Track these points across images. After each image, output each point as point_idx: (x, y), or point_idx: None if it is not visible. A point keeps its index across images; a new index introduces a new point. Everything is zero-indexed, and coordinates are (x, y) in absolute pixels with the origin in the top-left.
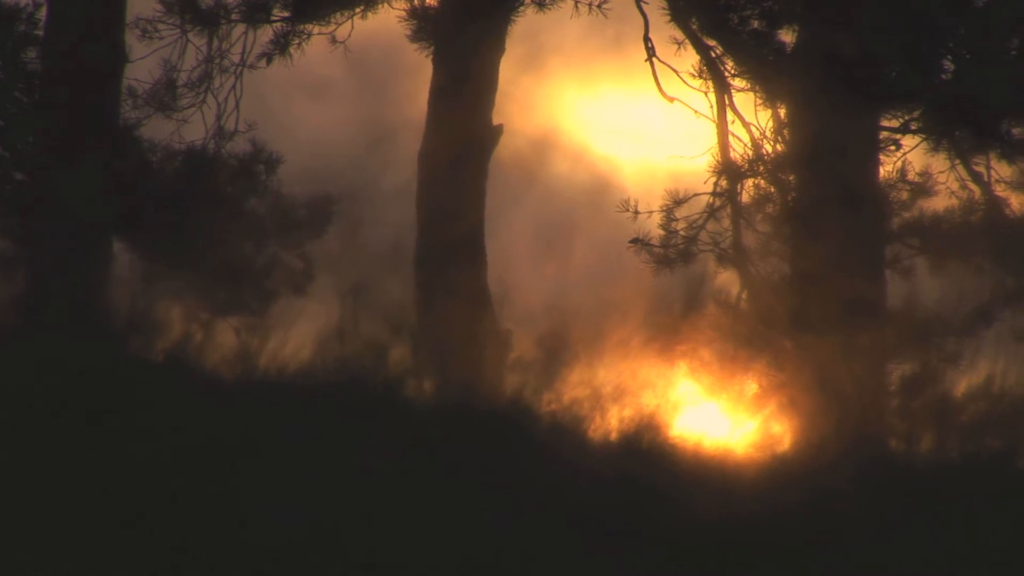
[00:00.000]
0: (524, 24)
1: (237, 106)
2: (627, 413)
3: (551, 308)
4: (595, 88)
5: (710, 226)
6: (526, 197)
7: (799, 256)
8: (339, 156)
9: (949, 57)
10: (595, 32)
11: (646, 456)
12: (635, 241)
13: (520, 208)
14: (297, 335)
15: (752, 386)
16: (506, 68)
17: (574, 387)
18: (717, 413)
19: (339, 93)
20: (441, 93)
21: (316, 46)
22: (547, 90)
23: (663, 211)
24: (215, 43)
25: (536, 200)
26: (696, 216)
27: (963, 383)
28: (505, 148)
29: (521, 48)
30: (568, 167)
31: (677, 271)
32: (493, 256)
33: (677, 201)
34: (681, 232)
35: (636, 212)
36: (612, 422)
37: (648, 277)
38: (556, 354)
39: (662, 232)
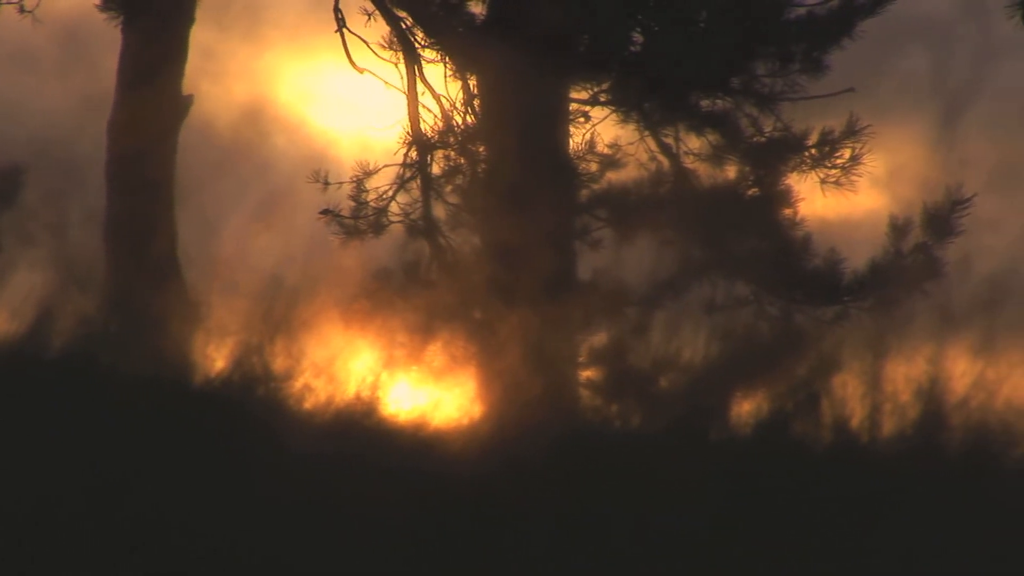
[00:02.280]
0: None
1: None
2: (334, 387)
3: (258, 280)
4: (310, 60)
5: (401, 198)
6: (235, 169)
7: (490, 228)
8: (35, 127)
9: (638, 29)
10: (316, 4)
11: (358, 432)
12: (325, 212)
13: (229, 180)
14: None
15: (445, 358)
16: (219, 40)
17: (281, 361)
18: (414, 386)
19: (39, 64)
20: (128, 63)
21: (7, 17)
22: (262, 63)
23: (353, 182)
24: None
25: (246, 172)
26: (386, 188)
27: (653, 355)
28: (209, 119)
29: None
30: (277, 139)
31: (368, 243)
32: (199, 228)
33: (367, 172)
34: (371, 204)
35: (327, 183)
36: (320, 397)
37: (357, 250)
38: (262, 327)
39: (352, 203)
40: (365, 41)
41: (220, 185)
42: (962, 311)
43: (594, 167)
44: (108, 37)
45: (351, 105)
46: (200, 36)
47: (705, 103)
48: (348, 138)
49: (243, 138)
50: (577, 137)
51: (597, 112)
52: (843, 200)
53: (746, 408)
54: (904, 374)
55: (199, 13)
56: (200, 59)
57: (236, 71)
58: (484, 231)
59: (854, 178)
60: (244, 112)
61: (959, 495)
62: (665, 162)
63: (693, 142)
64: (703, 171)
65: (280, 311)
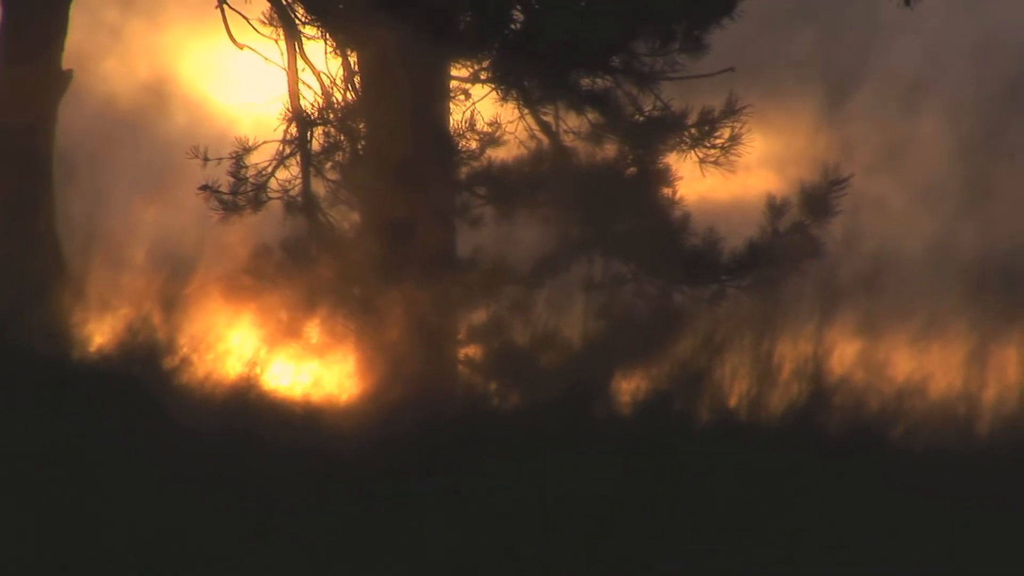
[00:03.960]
0: None
1: None
2: (215, 363)
3: (141, 256)
4: (191, 36)
5: (281, 174)
6: (119, 145)
7: (370, 205)
8: None
9: (519, 6)
10: None
11: (239, 407)
12: (204, 188)
13: (113, 156)
14: None
15: (325, 335)
16: (102, 15)
17: (164, 336)
18: (295, 362)
19: None
20: (9, 39)
21: None
22: (144, 39)
23: (232, 158)
24: None
25: (129, 148)
26: (265, 164)
27: (532, 332)
28: (93, 94)
29: None
30: (161, 114)
31: (249, 219)
32: (85, 203)
33: (247, 148)
34: (251, 180)
35: (206, 159)
36: (202, 372)
37: (239, 226)
38: (144, 302)
39: (231, 180)
40: (245, 17)
41: (102, 161)
42: (844, 290)
43: (474, 145)
44: None
45: (232, 81)
46: (82, 11)
47: (585, 82)
48: (229, 114)
49: (124, 114)
50: (457, 115)
51: (477, 90)
52: (724, 180)
53: (626, 387)
54: (786, 353)
55: None
56: (83, 34)
57: (117, 46)
58: (364, 208)
59: (733, 158)
60: (127, 88)
61: (840, 473)
62: (545, 140)
63: (573, 120)
64: (583, 150)
65: (162, 286)
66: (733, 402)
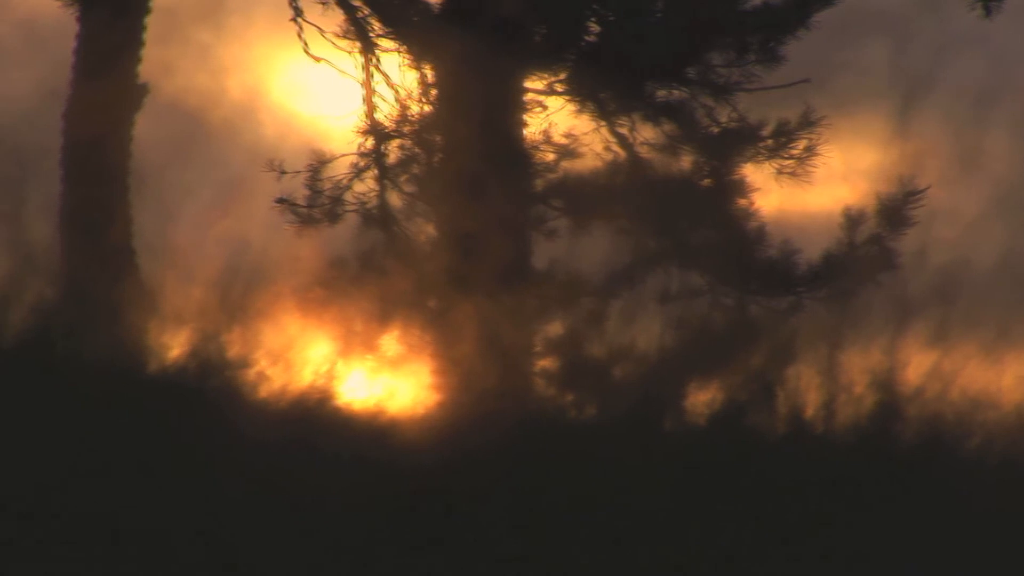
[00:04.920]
0: None
1: None
2: (290, 376)
3: (214, 268)
4: (266, 49)
5: (357, 187)
6: (192, 158)
7: (446, 217)
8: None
9: (595, 18)
10: None
11: (313, 420)
12: (281, 201)
13: (186, 169)
14: None
15: (400, 347)
16: (177, 28)
17: (238, 348)
18: (369, 375)
19: (3, 53)
20: (85, 52)
21: None
22: (219, 51)
23: (308, 171)
24: None
25: (203, 160)
26: (341, 176)
27: (608, 344)
28: (168, 108)
29: (192, 9)
30: (234, 127)
31: (324, 231)
32: (157, 216)
33: (323, 161)
34: (327, 192)
35: (283, 172)
36: (277, 385)
37: (313, 239)
38: (218, 315)
39: (308, 192)
40: (321, 30)
41: (178, 174)
42: (917, 302)
43: (549, 157)
44: (64, 25)
45: (308, 94)
46: (157, 24)
47: (660, 93)
48: (304, 127)
49: (201, 127)
50: (533, 126)
51: (553, 102)
52: (798, 191)
53: (701, 398)
54: (859, 364)
55: (155, 2)
56: (158, 48)
57: (194, 60)
58: (440, 220)
59: (809, 169)
60: (202, 101)
61: (913, 485)
62: (620, 152)
63: (648, 132)
64: (658, 161)
65: (236, 299)
66: (807, 414)
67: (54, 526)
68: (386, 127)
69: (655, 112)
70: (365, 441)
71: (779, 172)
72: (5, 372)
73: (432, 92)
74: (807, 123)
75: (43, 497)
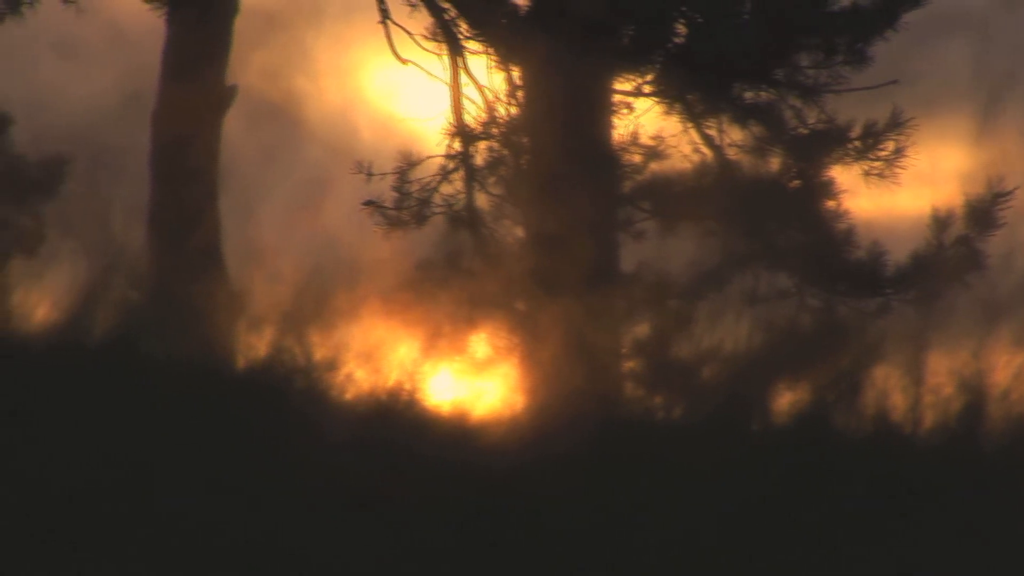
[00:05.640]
0: None
1: None
2: (376, 377)
3: (300, 270)
4: (354, 51)
5: (444, 189)
6: (279, 159)
7: (533, 219)
8: (82, 117)
9: (682, 20)
10: None
11: (399, 422)
12: (369, 203)
13: (273, 170)
14: (30, 297)
15: (487, 349)
16: (264, 30)
17: (323, 350)
18: (456, 377)
19: (83, 55)
20: (172, 53)
21: (51, 7)
22: (307, 53)
23: (396, 173)
24: None
25: (289, 162)
26: (429, 178)
27: (695, 346)
28: (255, 109)
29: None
30: (321, 129)
31: (411, 233)
32: (244, 217)
33: (411, 163)
34: (415, 194)
35: (370, 174)
36: (362, 386)
37: (400, 240)
38: (304, 317)
39: (395, 194)
40: (409, 32)
41: (264, 175)
42: (1005, 303)
43: (637, 158)
44: (152, 27)
45: (395, 96)
46: (244, 27)
47: (748, 95)
48: (391, 129)
49: (288, 128)
50: (620, 128)
51: (640, 103)
52: (886, 193)
53: (787, 400)
54: (946, 366)
55: (243, 3)
56: (245, 50)
57: (281, 61)
58: (527, 222)
59: (897, 170)
60: (289, 102)
61: (1000, 488)
62: (708, 153)
63: (736, 134)
64: (746, 163)
65: (323, 300)
66: (894, 415)
67: (136, 526)
68: (473, 129)
69: (743, 113)
70: (451, 444)
71: (867, 173)
72: (92, 372)
73: (519, 94)
74: (895, 124)
75: (127, 497)
